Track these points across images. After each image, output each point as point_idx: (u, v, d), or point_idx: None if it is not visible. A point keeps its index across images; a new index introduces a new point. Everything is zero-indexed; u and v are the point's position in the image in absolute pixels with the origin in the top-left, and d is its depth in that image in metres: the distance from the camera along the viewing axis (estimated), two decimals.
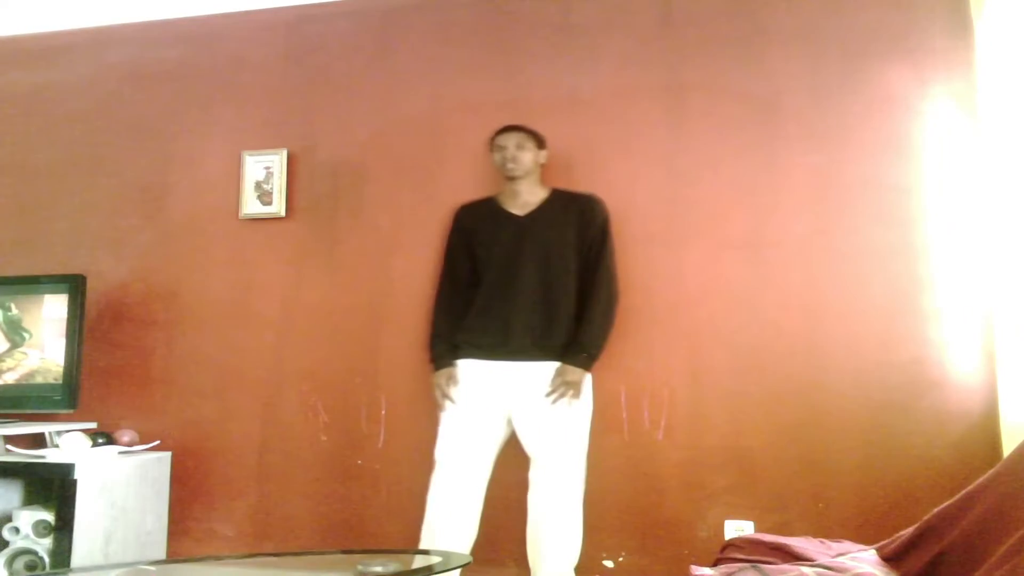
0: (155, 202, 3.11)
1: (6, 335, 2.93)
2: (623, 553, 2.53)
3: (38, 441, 2.80)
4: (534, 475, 2.33)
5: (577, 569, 2.34)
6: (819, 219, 2.55)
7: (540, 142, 2.52)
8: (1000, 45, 2.36)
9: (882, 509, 2.36)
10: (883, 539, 1.60)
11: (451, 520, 2.30)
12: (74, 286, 2.86)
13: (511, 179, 2.48)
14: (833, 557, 1.56)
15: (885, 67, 2.56)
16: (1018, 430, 2.21)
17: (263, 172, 3.00)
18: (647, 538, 2.52)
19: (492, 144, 2.52)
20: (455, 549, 2.23)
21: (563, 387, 2.30)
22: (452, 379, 2.39)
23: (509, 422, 2.37)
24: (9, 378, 2.89)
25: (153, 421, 2.96)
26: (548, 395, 2.30)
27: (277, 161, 2.98)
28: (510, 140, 2.45)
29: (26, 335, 2.90)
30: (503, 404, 2.36)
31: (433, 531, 2.29)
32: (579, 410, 2.36)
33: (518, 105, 2.81)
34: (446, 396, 2.38)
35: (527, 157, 2.45)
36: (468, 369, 2.39)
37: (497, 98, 2.85)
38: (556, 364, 2.34)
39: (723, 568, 1.53)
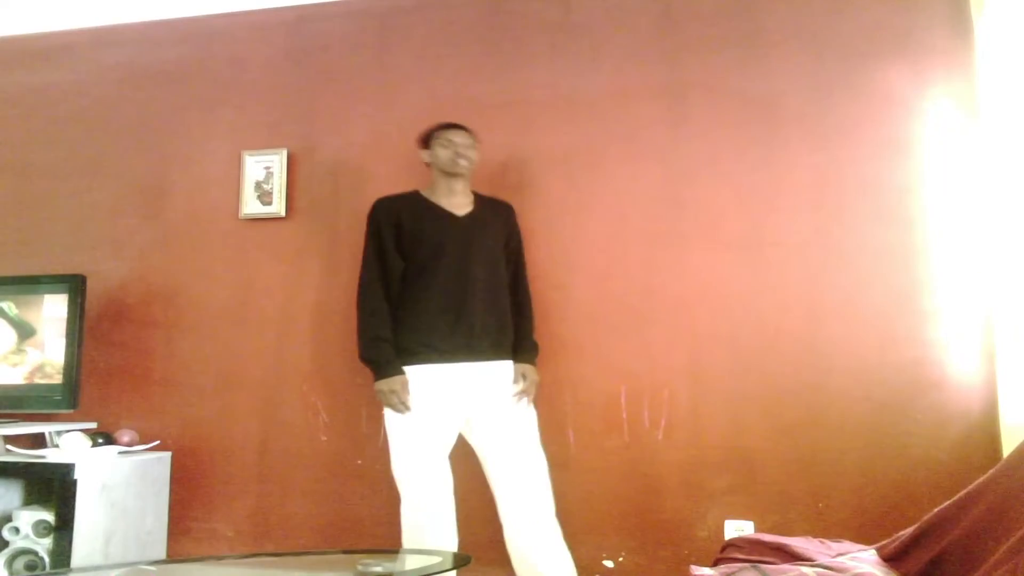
0: (155, 202, 3.12)
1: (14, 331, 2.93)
2: (623, 553, 2.53)
3: (38, 441, 2.80)
4: (508, 478, 2.28)
5: (577, 569, 2.33)
6: (819, 219, 2.55)
7: (479, 145, 2.50)
8: (1000, 45, 2.36)
9: (882, 509, 2.36)
10: (883, 539, 1.60)
11: (434, 536, 2.24)
12: (74, 286, 2.86)
13: (454, 176, 2.41)
14: (833, 557, 1.56)
15: (885, 67, 2.56)
16: (1018, 430, 2.21)
17: (263, 172, 3.00)
18: (647, 538, 2.52)
19: (435, 138, 2.42)
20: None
21: (531, 386, 2.37)
22: (406, 385, 2.27)
23: (462, 425, 2.35)
24: (21, 372, 2.88)
25: (153, 421, 2.96)
26: (517, 395, 2.33)
27: (277, 161, 2.99)
28: (464, 137, 2.42)
29: (29, 330, 2.90)
30: (461, 408, 2.31)
31: (417, 543, 2.24)
32: (533, 409, 2.40)
33: (518, 105, 2.82)
34: (404, 404, 2.25)
35: (474, 156, 2.44)
36: (424, 375, 2.29)
37: (497, 98, 2.85)
38: (508, 363, 2.38)
39: (723, 568, 1.53)
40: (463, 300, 2.32)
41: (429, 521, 2.25)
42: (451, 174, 2.41)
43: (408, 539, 2.27)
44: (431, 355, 2.30)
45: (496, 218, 2.49)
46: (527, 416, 2.35)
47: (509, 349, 2.40)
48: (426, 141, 2.46)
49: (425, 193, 2.47)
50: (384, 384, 2.27)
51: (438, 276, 2.33)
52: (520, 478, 2.29)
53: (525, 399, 2.35)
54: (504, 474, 2.30)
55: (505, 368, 2.37)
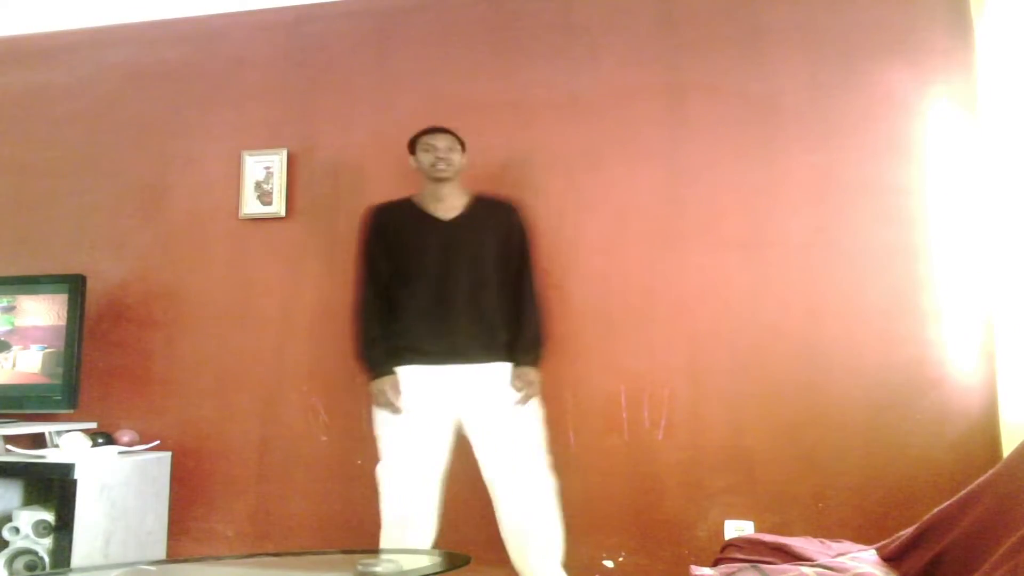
0: (155, 202, 3.12)
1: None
2: (623, 553, 2.53)
3: (38, 441, 2.80)
4: (501, 479, 2.29)
5: (577, 569, 2.34)
6: (819, 219, 2.55)
7: (464, 146, 2.49)
8: (1000, 45, 2.36)
9: (882, 509, 2.36)
10: (883, 539, 1.60)
11: (413, 529, 2.28)
12: (74, 286, 2.86)
13: (438, 181, 2.42)
14: (833, 557, 1.56)
15: (885, 67, 2.56)
16: (1018, 430, 2.21)
17: (263, 172, 3.00)
18: (647, 538, 2.52)
19: (417, 144, 2.45)
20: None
21: (529, 388, 2.32)
22: (396, 387, 2.33)
23: (456, 427, 2.35)
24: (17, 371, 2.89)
25: (153, 421, 2.96)
26: (518, 398, 2.30)
27: (277, 161, 2.99)
28: (442, 141, 2.41)
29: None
30: (452, 409, 2.34)
31: (394, 539, 2.27)
32: (535, 409, 2.37)
33: (518, 105, 2.82)
34: (393, 405, 2.30)
35: (456, 159, 2.43)
36: (413, 376, 2.34)
37: (497, 98, 2.85)
38: (501, 364, 2.34)
39: (723, 568, 1.53)
40: (445, 304, 2.35)
41: (406, 523, 2.28)
42: (434, 179, 2.42)
43: (385, 535, 2.29)
44: (416, 357, 2.34)
45: (491, 218, 2.46)
46: (522, 417, 2.33)
47: (503, 350, 2.37)
48: (412, 147, 2.47)
49: (416, 199, 2.49)
50: (374, 385, 2.34)
51: (421, 281, 2.38)
52: (507, 480, 2.29)
53: (524, 400, 2.33)
54: (494, 475, 2.31)
55: (497, 370, 2.35)
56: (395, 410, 2.30)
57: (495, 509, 2.32)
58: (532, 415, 2.36)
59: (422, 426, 2.31)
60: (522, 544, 2.28)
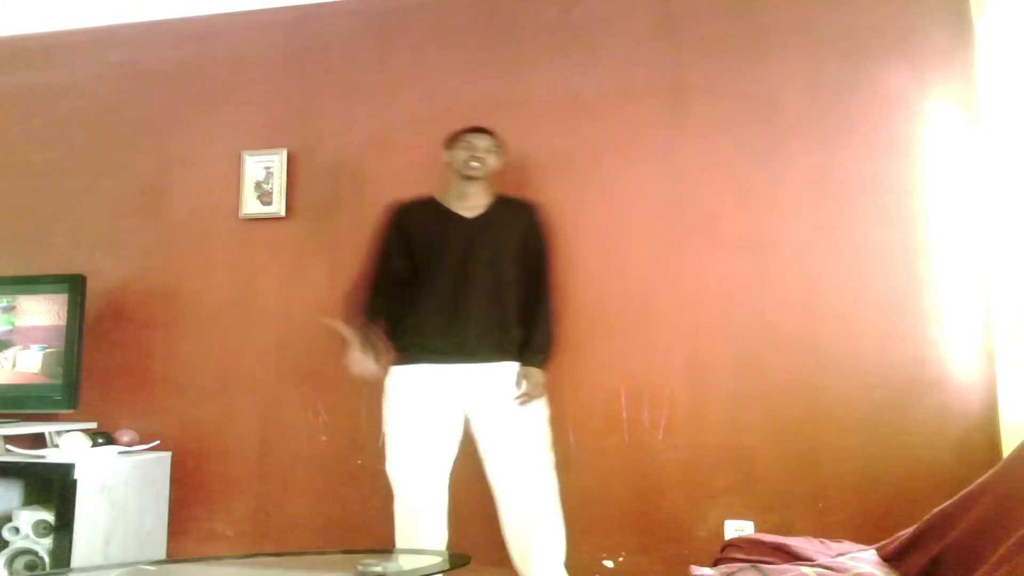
0: (155, 202, 3.12)
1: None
2: (623, 553, 2.53)
3: (38, 441, 2.80)
4: (504, 479, 2.29)
5: (577, 569, 2.34)
6: (819, 219, 2.55)
7: (503, 150, 2.51)
8: (1000, 45, 2.36)
9: (882, 509, 2.36)
10: (883, 539, 1.61)
11: (425, 527, 2.28)
12: (74, 286, 2.86)
13: (468, 179, 2.43)
14: (833, 557, 1.56)
15: (885, 67, 2.56)
16: (1018, 430, 2.21)
17: (263, 172, 3.00)
18: (647, 538, 2.52)
19: (456, 141, 2.46)
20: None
21: (534, 388, 2.31)
22: (373, 346, 2.35)
23: (464, 425, 2.36)
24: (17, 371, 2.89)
25: (153, 421, 2.96)
26: (519, 398, 2.30)
27: (277, 161, 2.99)
28: (482, 141, 2.43)
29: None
30: (459, 407, 2.34)
31: (407, 537, 2.28)
32: (540, 409, 2.36)
33: (518, 105, 2.82)
34: (367, 366, 2.33)
35: (491, 160, 2.44)
36: (420, 374, 2.35)
37: (497, 98, 2.85)
38: (510, 364, 2.34)
39: (723, 568, 1.53)
40: (459, 301, 2.35)
41: (419, 519, 2.28)
42: (465, 176, 2.43)
43: (400, 536, 2.30)
44: (426, 355, 2.34)
45: (513, 219, 2.47)
46: (528, 417, 2.33)
47: (513, 350, 2.37)
48: (450, 143, 2.48)
49: (440, 197, 2.50)
50: (350, 331, 2.39)
51: (437, 278, 2.38)
52: (513, 479, 2.29)
53: (525, 400, 2.33)
54: (499, 475, 2.31)
55: (506, 369, 2.35)
56: (393, 408, 2.34)
57: (498, 509, 2.32)
58: (538, 416, 2.36)
59: (429, 424, 2.31)
60: (524, 545, 2.28)
